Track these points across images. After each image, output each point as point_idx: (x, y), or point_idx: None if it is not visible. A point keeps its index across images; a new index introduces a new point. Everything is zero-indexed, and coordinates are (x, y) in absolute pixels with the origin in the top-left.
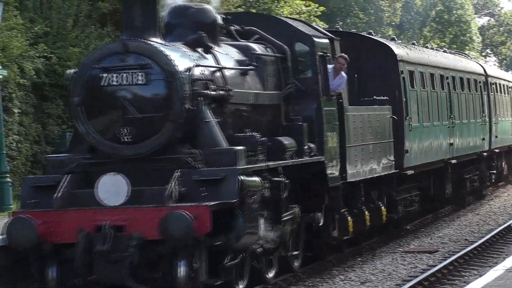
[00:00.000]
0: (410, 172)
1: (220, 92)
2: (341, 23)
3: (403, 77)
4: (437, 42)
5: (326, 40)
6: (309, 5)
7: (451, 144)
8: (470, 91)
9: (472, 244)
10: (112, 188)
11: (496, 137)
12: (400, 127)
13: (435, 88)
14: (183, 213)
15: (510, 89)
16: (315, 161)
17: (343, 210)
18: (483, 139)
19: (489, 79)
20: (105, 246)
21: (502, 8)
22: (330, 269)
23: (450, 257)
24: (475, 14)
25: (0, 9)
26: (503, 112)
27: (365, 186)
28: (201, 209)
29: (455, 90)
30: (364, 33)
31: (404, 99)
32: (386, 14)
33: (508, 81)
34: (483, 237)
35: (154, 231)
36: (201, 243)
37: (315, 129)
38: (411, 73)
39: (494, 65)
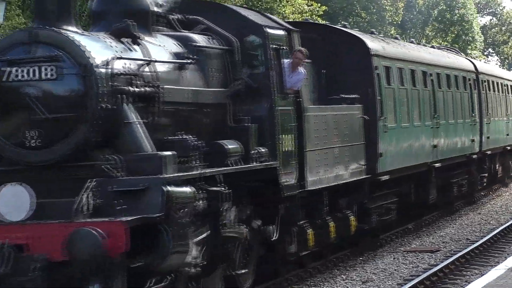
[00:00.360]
0: (385, 177)
1: (147, 88)
2: (343, 22)
3: (378, 74)
4: (439, 41)
5: (282, 32)
6: (311, 5)
7: (435, 146)
8: (458, 89)
9: (473, 243)
10: (12, 200)
11: (488, 138)
12: (373, 128)
13: (417, 86)
14: (91, 230)
15: (505, 87)
16: (264, 167)
17: (302, 222)
18: (473, 140)
19: (481, 76)
20: (3, 269)
21: (504, 7)
22: (332, 268)
23: (451, 256)
24: (477, 13)
25: (2, 8)
26: (496, 111)
27: (331, 194)
28: (115, 225)
29: (440, 88)
30: (338, 26)
31: (379, 98)
32: (388, 14)
33: (503, 78)
34: (484, 236)
35: (59, 251)
36: (116, 264)
37: (267, 131)
38: (388, 69)
39: (496, 64)
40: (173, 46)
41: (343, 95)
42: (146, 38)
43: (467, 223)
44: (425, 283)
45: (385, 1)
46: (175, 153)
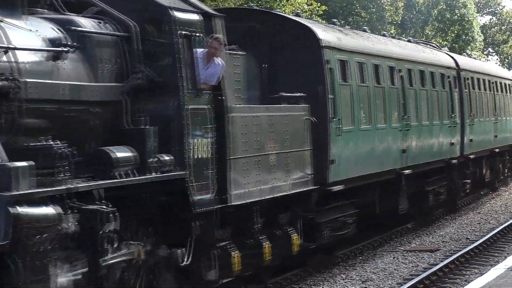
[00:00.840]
0: (338, 187)
1: None
2: (343, 21)
3: (330, 68)
4: (439, 41)
5: (195, 16)
6: (311, 4)
7: (404, 151)
8: (434, 87)
9: (473, 242)
10: None
11: (471, 140)
12: (323, 131)
13: (381, 83)
14: None
15: (493, 85)
16: (162, 179)
17: (225, 243)
18: (452, 143)
19: (463, 73)
20: None
21: (504, 6)
22: (331, 268)
23: (451, 255)
24: (477, 12)
25: None
26: (482, 111)
27: (267, 209)
28: None
29: (411, 86)
30: (289, 15)
31: (331, 96)
32: (388, 13)
33: (490, 75)
34: (484, 235)
35: None
36: None
37: (174, 135)
38: (344, 63)
39: (495, 63)
40: (50, 31)
41: (283, 93)
42: (10, 20)
43: (467, 223)
44: (425, 282)
45: (385, 1)
46: (33, 163)
